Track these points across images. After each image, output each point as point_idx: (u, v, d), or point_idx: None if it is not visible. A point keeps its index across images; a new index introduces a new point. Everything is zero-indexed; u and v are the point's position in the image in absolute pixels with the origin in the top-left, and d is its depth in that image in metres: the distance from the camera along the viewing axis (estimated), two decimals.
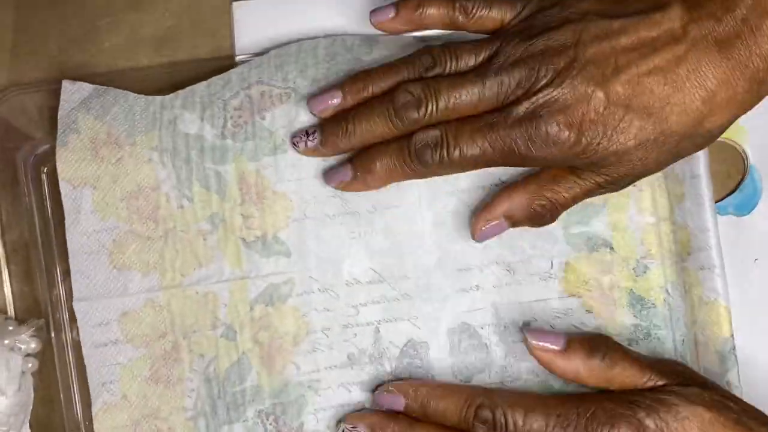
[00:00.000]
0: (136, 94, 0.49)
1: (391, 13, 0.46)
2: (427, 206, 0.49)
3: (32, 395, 0.49)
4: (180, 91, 0.49)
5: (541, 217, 0.45)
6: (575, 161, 0.43)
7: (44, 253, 0.51)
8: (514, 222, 0.46)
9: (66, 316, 0.50)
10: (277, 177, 0.49)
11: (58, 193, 0.48)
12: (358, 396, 0.48)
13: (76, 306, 0.48)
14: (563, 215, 0.48)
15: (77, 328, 0.48)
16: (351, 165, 0.47)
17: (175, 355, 0.48)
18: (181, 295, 0.48)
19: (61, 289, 0.51)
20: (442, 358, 0.49)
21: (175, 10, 0.51)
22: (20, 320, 0.49)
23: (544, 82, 0.42)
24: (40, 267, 0.50)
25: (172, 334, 0.48)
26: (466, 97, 0.43)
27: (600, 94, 0.41)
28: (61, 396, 0.50)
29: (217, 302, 0.48)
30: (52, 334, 0.50)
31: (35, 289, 0.50)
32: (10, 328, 0.48)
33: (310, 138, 0.47)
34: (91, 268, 0.48)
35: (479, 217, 0.46)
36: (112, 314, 0.48)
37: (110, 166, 0.48)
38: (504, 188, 0.46)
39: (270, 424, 0.48)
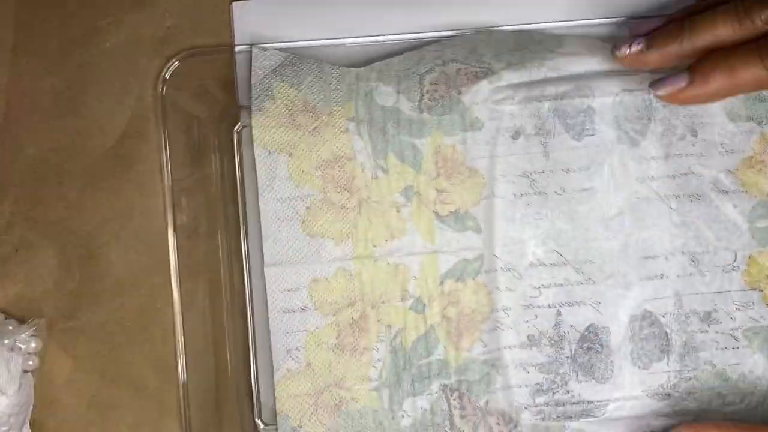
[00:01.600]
0: (330, 65, 0.49)
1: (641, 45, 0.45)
2: (616, 192, 0.49)
3: (33, 395, 0.48)
4: (375, 64, 0.49)
5: None
6: None
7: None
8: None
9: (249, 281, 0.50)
10: (471, 153, 0.49)
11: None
12: (535, 377, 0.49)
13: (267, 271, 0.48)
14: (747, 209, 0.48)
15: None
16: (688, 71, 0.43)
17: (363, 325, 0.48)
18: (372, 266, 0.48)
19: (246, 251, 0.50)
20: (622, 345, 0.49)
21: (175, 10, 0.51)
22: (20, 319, 0.49)
23: None
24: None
25: (360, 303, 0.48)
26: None
27: None
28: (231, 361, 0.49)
29: (407, 274, 0.48)
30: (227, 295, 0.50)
31: (35, 289, 0.50)
32: (10, 327, 0.48)
33: (636, 42, 0.44)
34: (283, 234, 0.48)
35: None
36: (302, 280, 0.48)
37: (307, 134, 0.48)
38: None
39: (454, 399, 0.48)
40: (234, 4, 0.50)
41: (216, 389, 0.49)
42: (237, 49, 0.50)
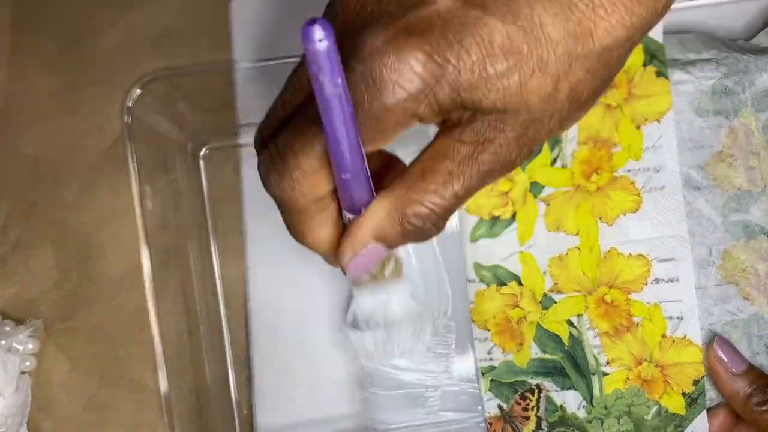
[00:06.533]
0: None
1: None
2: None
3: (30, 396, 0.48)
4: None
5: (421, 232, 0.32)
6: (435, 97, 0.29)
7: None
8: (390, 243, 0.33)
9: None
10: None
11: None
12: None
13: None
14: (720, 203, 0.50)
15: None
16: None
17: None
18: None
19: None
20: None
21: (173, 8, 0.52)
22: (18, 320, 0.49)
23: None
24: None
25: None
26: None
27: None
28: None
29: None
30: None
31: (32, 289, 0.51)
32: (7, 328, 0.48)
33: None
34: None
35: (344, 247, 0.33)
36: None
37: None
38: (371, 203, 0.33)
39: None
40: (233, 2, 0.51)
41: (198, 402, 0.49)
42: (238, 65, 0.49)
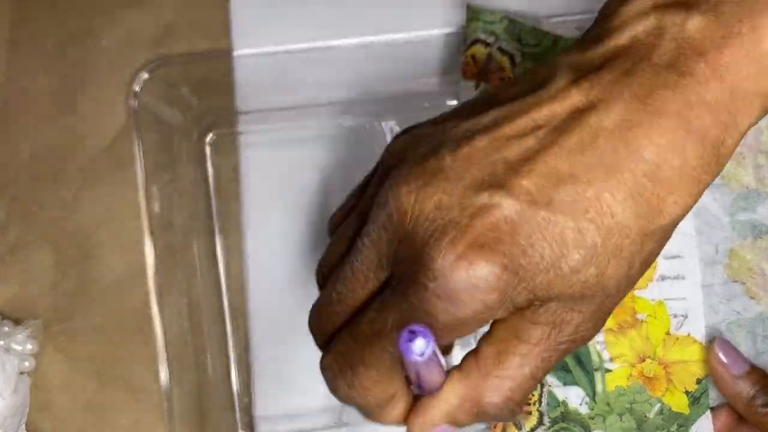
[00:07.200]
0: None
1: None
2: None
3: (28, 397, 0.48)
4: None
5: (496, 418, 0.33)
6: (512, 301, 0.30)
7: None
8: (461, 425, 0.34)
9: None
10: None
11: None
12: None
13: None
14: (728, 201, 0.49)
15: None
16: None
17: None
18: None
19: None
20: None
21: (172, 6, 0.51)
22: (16, 321, 0.49)
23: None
24: None
25: None
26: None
27: (501, 197, 0.29)
28: None
29: None
30: None
31: (31, 290, 0.50)
32: (6, 329, 0.48)
33: None
34: None
35: (415, 427, 0.33)
36: None
37: None
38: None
39: None
40: (233, 1, 0.50)
41: (199, 397, 0.49)
42: (236, 53, 0.49)
